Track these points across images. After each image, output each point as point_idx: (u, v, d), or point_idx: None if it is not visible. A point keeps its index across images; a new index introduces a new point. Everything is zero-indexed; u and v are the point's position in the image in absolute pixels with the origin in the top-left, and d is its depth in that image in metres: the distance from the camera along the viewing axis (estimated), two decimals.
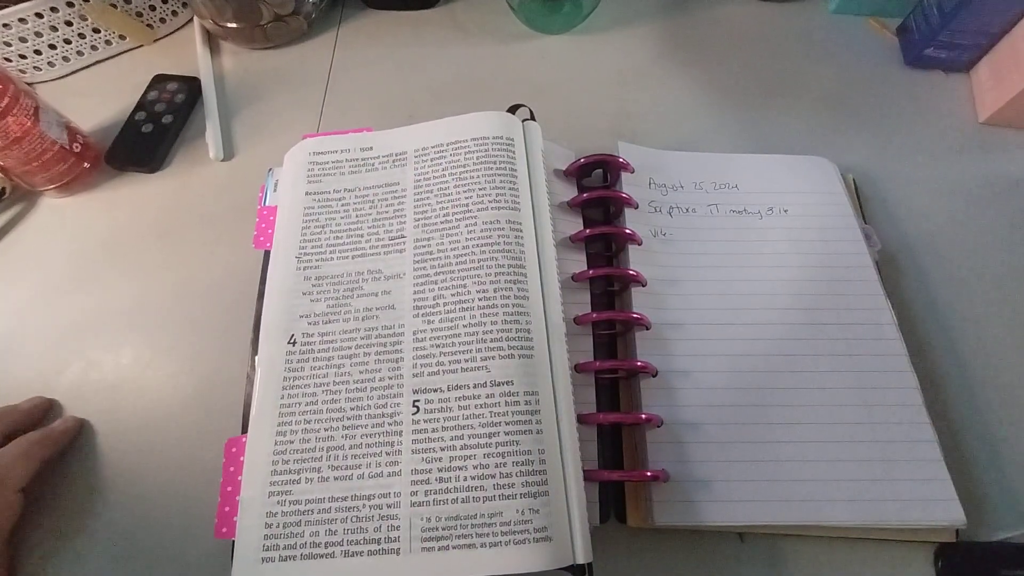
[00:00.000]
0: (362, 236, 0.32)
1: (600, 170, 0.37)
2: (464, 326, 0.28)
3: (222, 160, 0.41)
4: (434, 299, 0.29)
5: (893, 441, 0.28)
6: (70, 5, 0.43)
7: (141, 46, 0.47)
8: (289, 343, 0.29)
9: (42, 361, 0.34)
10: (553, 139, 0.36)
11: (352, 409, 0.27)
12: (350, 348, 0.29)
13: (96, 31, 0.45)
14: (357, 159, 0.35)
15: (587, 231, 0.33)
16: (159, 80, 0.44)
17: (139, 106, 0.43)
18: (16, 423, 0.30)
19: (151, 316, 0.35)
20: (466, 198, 0.31)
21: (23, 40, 0.43)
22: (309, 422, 0.27)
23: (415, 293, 0.30)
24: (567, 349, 0.28)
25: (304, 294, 0.30)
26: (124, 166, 0.41)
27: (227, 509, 0.26)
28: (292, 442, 0.27)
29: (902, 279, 0.35)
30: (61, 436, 0.30)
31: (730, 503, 0.27)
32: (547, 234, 0.31)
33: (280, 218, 0.33)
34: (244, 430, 0.28)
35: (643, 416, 0.28)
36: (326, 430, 0.27)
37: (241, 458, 0.27)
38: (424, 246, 0.31)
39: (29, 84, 0.40)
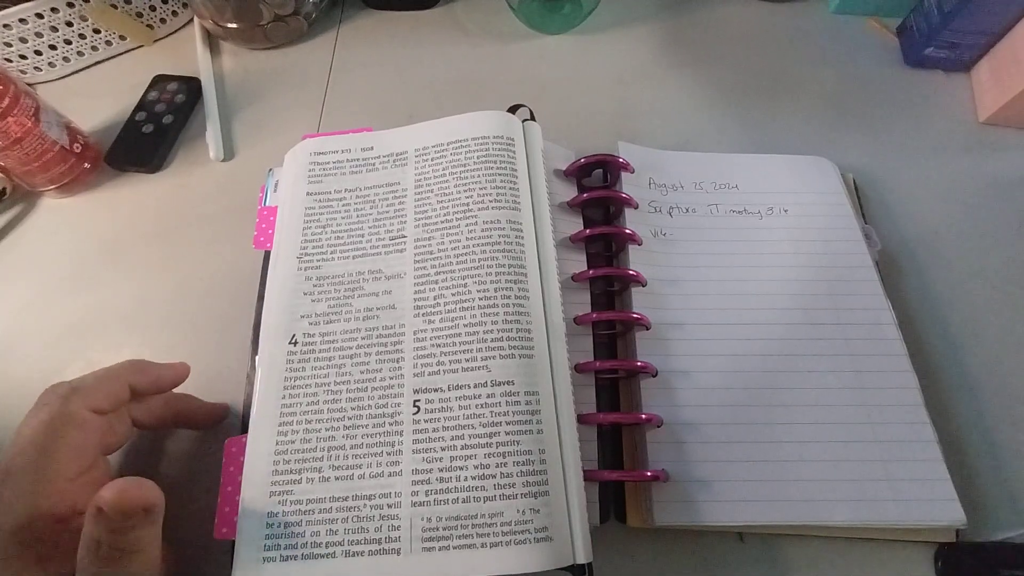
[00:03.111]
0: (363, 236, 0.32)
1: (600, 170, 0.37)
2: (465, 326, 0.28)
3: (222, 160, 0.41)
4: (435, 299, 0.29)
5: (893, 441, 0.28)
6: (70, 5, 0.43)
7: (141, 46, 0.47)
8: (290, 343, 0.29)
9: (42, 361, 0.34)
10: (553, 139, 0.36)
11: (353, 409, 0.27)
12: (351, 348, 0.29)
13: (96, 31, 0.45)
14: (358, 159, 0.35)
15: (587, 231, 0.33)
16: (159, 80, 0.44)
17: (139, 106, 0.43)
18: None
19: (151, 316, 0.35)
20: (466, 197, 0.31)
21: (23, 40, 0.43)
22: (310, 422, 0.27)
23: (416, 293, 0.30)
24: (567, 349, 0.28)
25: (305, 294, 0.30)
26: (124, 166, 0.41)
27: (227, 509, 0.26)
28: (293, 442, 0.27)
29: (902, 279, 0.35)
30: (163, 370, 0.28)
31: (730, 503, 0.27)
32: (547, 234, 0.31)
33: (281, 218, 0.33)
34: (244, 430, 0.28)
35: (643, 416, 0.28)
36: (327, 430, 0.27)
37: (241, 458, 0.27)
38: (425, 246, 0.31)
39: (29, 84, 0.40)
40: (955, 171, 0.40)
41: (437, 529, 0.24)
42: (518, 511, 0.24)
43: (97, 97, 0.44)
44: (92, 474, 0.24)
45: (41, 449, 0.23)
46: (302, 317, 0.30)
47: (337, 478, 0.26)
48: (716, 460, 0.28)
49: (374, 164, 0.34)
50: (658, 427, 0.28)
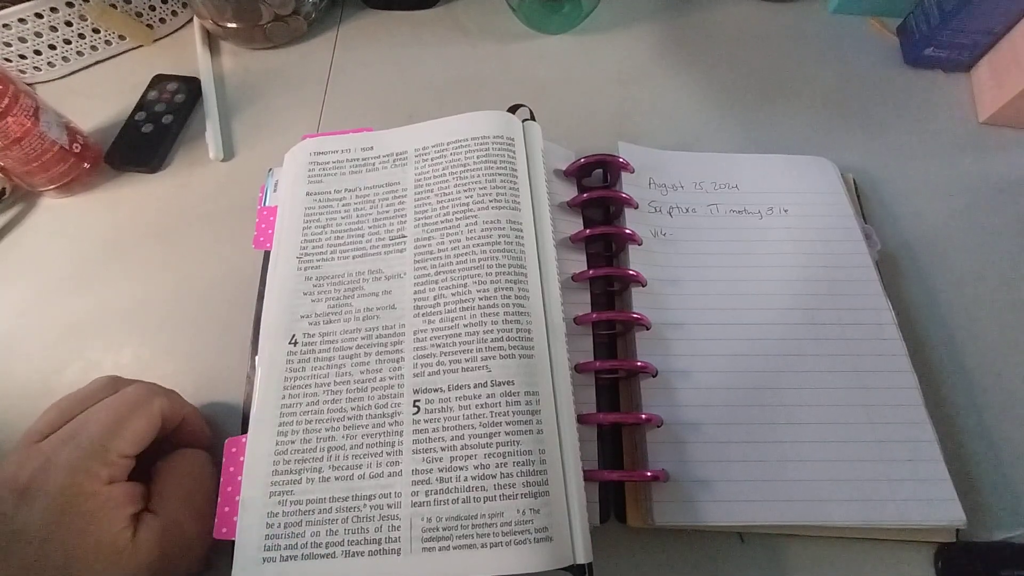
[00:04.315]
0: (363, 236, 0.32)
1: (600, 170, 0.37)
2: (465, 326, 0.28)
3: (222, 160, 0.41)
4: (435, 299, 0.29)
5: (893, 441, 0.28)
6: (70, 5, 0.43)
7: (141, 46, 0.47)
8: (290, 343, 0.29)
9: (42, 361, 0.34)
10: (553, 139, 0.36)
11: (353, 409, 0.27)
12: (351, 348, 0.29)
13: (96, 31, 0.45)
14: (358, 159, 0.35)
15: (587, 231, 0.33)
16: (159, 80, 0.44)
17: (139, 106, 0.43)
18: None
19: (151, 316, 0.35)
20: (466, 197, 0.31)
21: (23, 40, 0.42)
22: (310, 422, 0.27)
23: (416, 293, 0.30)
24: (567, 349, 0.28)
25: (305, 294, 0.30)
26: (124, 166, 0.41)
27: (227, 509, 0.26)
28: (293, 442, 0.27)
29: (902, 279, 0.35)
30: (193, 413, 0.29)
31: (730, 503, 0.27)
32: (547, 234, 0.31)
33: (280, 218, 0.33)
34: (244, 430, 0.28)
35: (643, 416, 0.28)
36: (327, 430, 0.27)
37: (241, 458, 0.27)
38: (424, 246, 0.31)
39: (29, 84, 0.40)
40: (955, 171, 0.40)
41: (437, 529, 0.24)
42: (518, 511, 0.24)
43: (97, 97, 0.44)
44: (130, 466, 0.25)
45: (115, 425, 0.24)
46: (302, 317, 0.30)
47: (337, 478, 0.26)
48: (716, 460, 0.28)
49: (374, 164, 0.34)
50: (658, 427, 0.28)
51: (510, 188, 0.32)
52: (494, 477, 0.25)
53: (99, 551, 0.22)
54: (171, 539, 0.24)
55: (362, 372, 0.28)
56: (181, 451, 0.27)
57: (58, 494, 0.22)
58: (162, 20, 0.47)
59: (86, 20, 0.44)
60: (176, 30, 0.48)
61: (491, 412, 0.26)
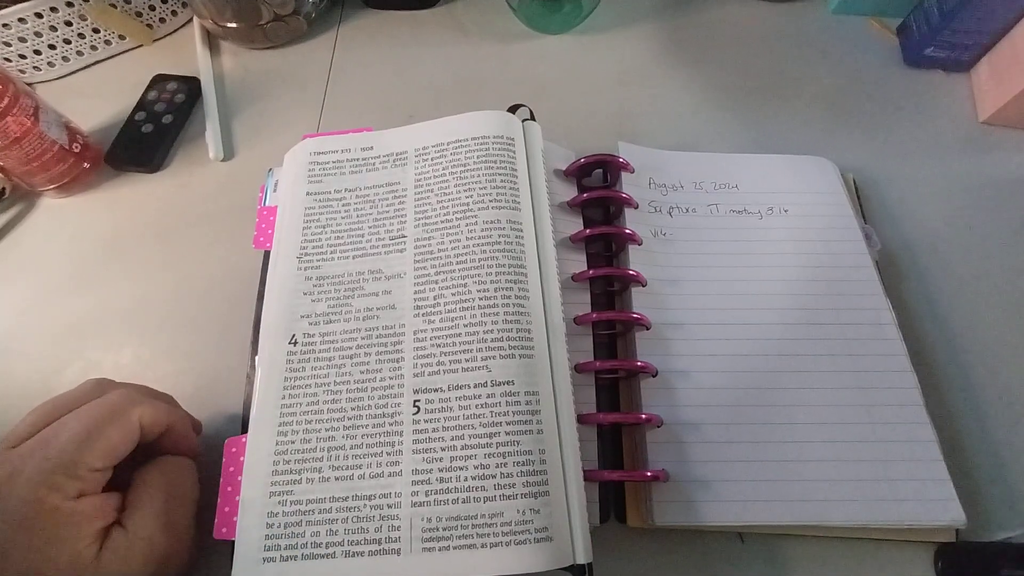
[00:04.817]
0: (363, 236, 0.32)
1: (600, 170, 0.37)
2: (465, 326, 0.28)
3: (222, 160, 0.41)
4: (435, 299, 0.29)
5: (893, 441, 0.28)
6: (70, 5, 0.43)
7: (141, 46, 0.47)
8: (290, 343, 0.29)
9: (42, 361, 0.34)
10: (553, 139, 0.36)
11: (353, 409, 0.27)
12: (351, 348, 0.29)
13: (96, 31, 0.45)
14: (358, 159, 0.35)
15: (587, 231, 0.33)
16: (159, 80, 0.44)
17: (139, 106, 0.43)
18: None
19: (151, 316, 0.35)
20: (467, 197, 0.31)
21: (23, 40, 0.43)
22: (310, 422, 0.27)
23: (416, 293, 0.30)
24: (567, 349, 0.28)
25: (305, 294, 0.30)
26: (124, 166, 0.41)
27: (227, 509, 0.26)
28: (293, 442, 0.27)
29: (902, 279, 0.35)
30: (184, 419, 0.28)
31: (730, 503, 0.27)
32: (547, 234, 0.31)
33: (280, 218, 0.33)
34: (244, 430, 0.28)
35: (643, 416, 0.28)
36: (327, 430, 0.27)
37: (241, 458, 0.27)
38: (424, 246, 0.31)
39: (29, 84, 0.40)
40: (955, 171, 0.39)
41: (437, 529, 0.24)
42: (518, 511, 0.24)
43: (97, 97, 0.44)
44: (103, 479, 0.24)
45: (87, 436, 0.23)
46: (302, 317, 0.30)
47: (337, 478, 0.26)
48: (716, 460, 0.28)
49: (374, 164, 0.34)
50: (658, 427, 0.28)
51: (510, 188, 0.32)
52: (494, 477, 0.25)
53: (59, 568, 0.21)
54: (140, 555, 0.23)
55: (362, 372, 0.28)
56: (162, 459, 0.26)
57: (20, 507, 0.21)
58: (162, 20, 0.47)
59: (86, 20, 0.44)
60: (176, 30, 0.48)
61: (491, 412, 0.26)
